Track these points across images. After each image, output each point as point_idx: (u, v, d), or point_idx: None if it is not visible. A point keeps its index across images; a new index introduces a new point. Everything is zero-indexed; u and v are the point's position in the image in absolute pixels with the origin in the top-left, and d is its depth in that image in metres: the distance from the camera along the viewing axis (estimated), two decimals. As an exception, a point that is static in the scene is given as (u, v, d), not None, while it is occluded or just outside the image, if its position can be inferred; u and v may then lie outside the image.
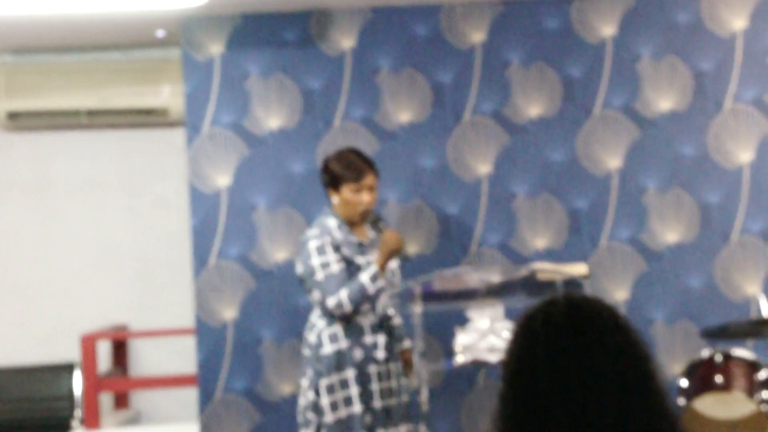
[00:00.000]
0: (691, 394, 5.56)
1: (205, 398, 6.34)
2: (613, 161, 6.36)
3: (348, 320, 5.36)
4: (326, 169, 5.49)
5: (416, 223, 6.34)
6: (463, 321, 5.59)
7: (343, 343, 5.35)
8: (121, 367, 7.45)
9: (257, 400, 6.34)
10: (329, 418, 5.30)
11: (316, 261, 5.34)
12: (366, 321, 5.40)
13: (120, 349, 7.47)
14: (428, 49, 6.41)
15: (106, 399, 7.35)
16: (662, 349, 6.25)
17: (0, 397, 7.14)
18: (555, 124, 6.38)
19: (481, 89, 6.39)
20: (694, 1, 6.38)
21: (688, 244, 6.34)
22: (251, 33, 6.42)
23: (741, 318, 6.08)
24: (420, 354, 5.57)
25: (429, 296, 5.68)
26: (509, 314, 5.56)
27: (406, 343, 5.69)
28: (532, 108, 6.39)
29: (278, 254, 6.36)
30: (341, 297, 5.28)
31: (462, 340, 5.59)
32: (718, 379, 5.55)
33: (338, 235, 5.40)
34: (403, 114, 6.40)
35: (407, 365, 5.67)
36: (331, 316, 5.35)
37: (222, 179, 6.38)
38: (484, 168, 6.38)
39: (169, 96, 7.30)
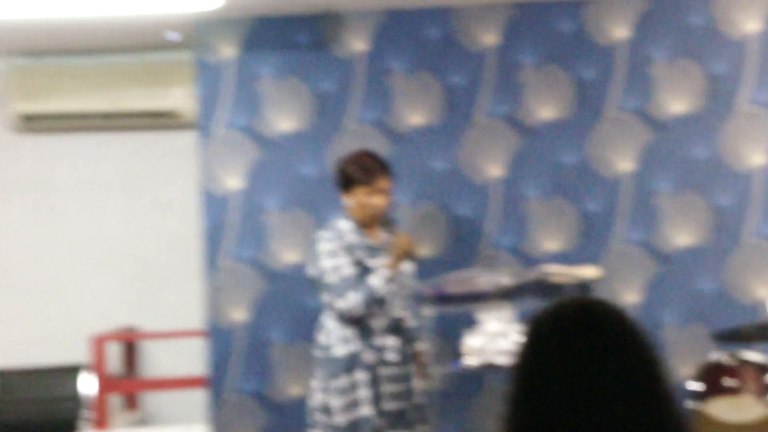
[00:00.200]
0: (701, 397, 5.55)
1: (216, 400, 6.35)
2: (626, 164, 6.35)
3: (359, 323, 5.36)
4: (340, 171, 5.50)
5: (427, 226, 6.34)
6: (472, 323, 5.58)
7: (354, 346, 5.36)
8: (130, 368, 7.46)
9: (267, 402, 6.34)
10: (339, 419, 5.31)
11: (327, 263, 5.35)
12: (377, 323, 5.40)
13: (130, 351, 7.48)
14: (440, 52, 6.40)
15: (115, 400, 7.35)
16: (673, 352, 6.23)
17: (7, 398, 7.15)
18: (567, 127, 6.37)
19: (493, 92, 6.38)
20: (707, 4, 6.36)
21: (699, 247, 6.32)
22: (264, 36, 6.42)
23: (752, 321, 6.05)
24: (430, 356, 5.58)
25: (440, 299, 5.68)
26: (520, 317, 5.56)
27: (420, 346, 5.69)
28: (545, 110, 6.38)
29: (289, 256, 6.36)
30: (351, 300, 5.29)
31: (471, 342, 5.59)
32: (729, 382, 5.54)
33: (350, 237, 5.40)
34: (415, 116, 6.40)
35: (421, 367, 5.66)
36: (342, 318, 5.36)
37: (234, 182, 6.38)
38: (496, 171, 6.37)
39: (181, 99, 7.31)
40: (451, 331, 5.88)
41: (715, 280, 6.30)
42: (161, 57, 7.36)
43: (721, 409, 5.45)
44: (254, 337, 6.35)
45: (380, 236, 5.53)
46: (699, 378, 5.65)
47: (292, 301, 6.35)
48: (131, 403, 7.47)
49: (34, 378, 7.24)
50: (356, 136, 6.36)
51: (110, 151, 7.57)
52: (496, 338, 5.55)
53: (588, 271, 5.79)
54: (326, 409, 5.36)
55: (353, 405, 5.32)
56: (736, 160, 6.34)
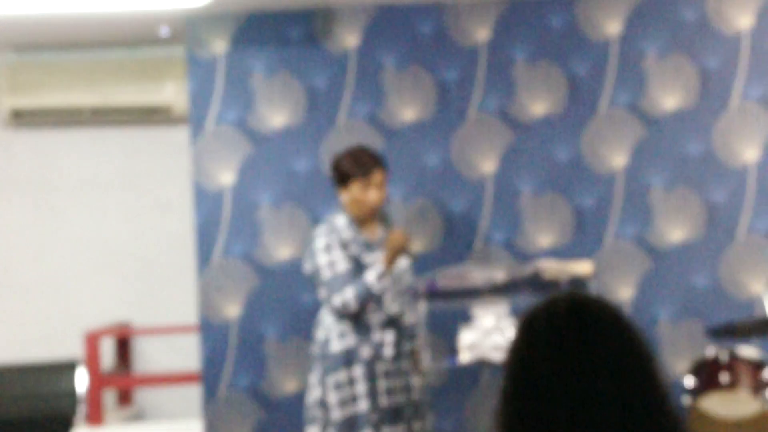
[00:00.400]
0: (696, 393, 5.55)
1: (209, 396, 6.34)
2: (619, 159, 6.34)
3: (354, 318, 5.36)
4: (335, 166, 5.52)
5: (421, 221, 6.33)
6: (467, 319, 5.57)
7: (351, 341, 5.37)
8: (124, 364, 7.45)
9: (261, 398, 6.33)
10: (336, 414, 5.32)
11: (322, 259, 5.36)
12: (374, 318, 5.40)
13: (123, 347, 7.47)
14: (433, 47, 6.40)
15: (109, 396, 7.34)
16: (667, 347, 6.23)
17: (3, 395, 7.14)
18: (560, 123, 6.36)
19: (486, 87, 6.37)
20: (699, -1, 6.36)
21: (693, 242, 6.32)
22: (255, 31, 6.41)
23: (746, 317, 6.06)
24: (424, 352, 5.57)
25: (433, 294, 5.68)
26: (514, 312, 5.55)
27: (418, 342, 5.68)
28: (537, 106, 6.37)
29: (282, 252, 6.35)
30: (347, 295, 5.30)
31: (466, 338, 5.58)
32: (724, 378, 5.54)
33: (346, 233, 5.41)
34: (407, 112, 6.39)
35: (418, 364, 5.66)
36: (337, 313, 5.36)
37: (226, 177, 6.37)
38: (489, 166, 6.36)
39: (173, 94, 7.29)
40: (445, 327, 5.87)
41: (709, 275, 6.30)
42: (153, 52, 7.34)
43: (715, 404, 5.45)
44: (248, 332, 6.34)
45: (376, 232, 5.53)
46: (693, 373, 5.64)
47: (285, 296, 6.34)
48: (125, 398, 7.46)
49: (30, 374, 7.22)
50: (348, 131, 6.35)
51: (103, 147, 7.56)
52: (490, 334, 5.55)
53: (582, 267, 5.78)
54: (323, 404, 5.36)
55: (350, 400, 5.33)
56: (730, 156, 6.33)
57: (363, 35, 6.41)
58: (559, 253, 6.24)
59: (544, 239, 6.34)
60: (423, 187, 6.35)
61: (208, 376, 6.33)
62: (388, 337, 5.42)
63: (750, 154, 6.34)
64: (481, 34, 6.40)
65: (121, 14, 6.47)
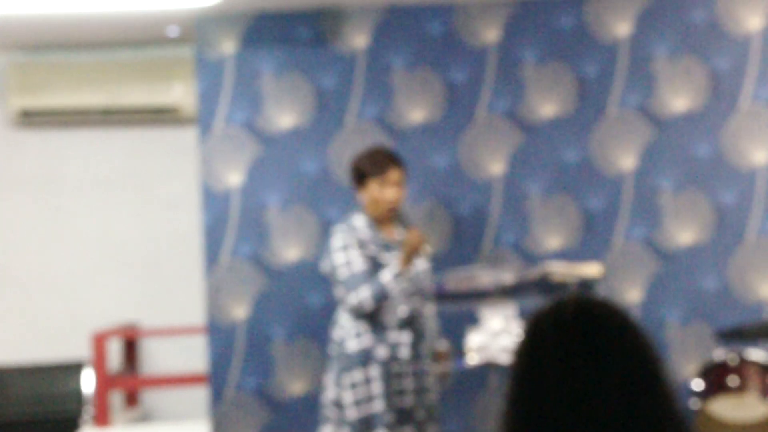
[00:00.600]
0: (704, 396, 5.53)
1: (216, 397, 6.33)
2: (628, 161, 6.32)
3: (370, 318, 5.37)
4: (353, 166, 5.55)
5: (429, 223, 6.31)
6: (475, 321, 5.56)
7: (368, 341, 5.38)
8: (131, 365, 7.45)
9: (268, 399, 6.33)
10: (351, 414, 5.33)
11: (340, 258, 5.38)
12: (391, 319, 5.40)
13: (130, 348, 7.47)
14: (442, 48, 6.38)
15: (116, 397, 7.34)
16: (676, 350, 6.22)
17: (9, 396, 7.13)
18: (569, 124, 6.34)
19: (494, 88, 6.36)
20: (710, 0, 6.34)
21: (702, 245, 6.30)
22: (264, 31, 6.40)
23: (755, 320, 6.04)
24: (432, 354, 5.57)
25: (441, 296, 5.67)
26: (522, 315, 5.53)
27: (441, 345, 5.68)
28: (546, 107, 6.36)
29: (290, 253, 6.35)
30: (362, 295, 5.32)
31: (474, 340, 5.57)
32: (732, 381, 5.53)
33: (364, 233, 5.43)
34: (416, 113, 6.37)
35: (443, 366, 5.66)
36: (353, 312, 5.37)
37: (234, 178, 6.36)
38: (497, 167, 6.35)
39: (181, 94, 7.29)
40: (453, 329, 5.86)
41: (718, 278, 6.28)
42: (161, 52, 7.34)
43: (724, 407, 5.43)
44: (255, 334, 6.33)
45: (394, 232, 5.54)
46: (702, 377, 5.63)
47: (292, 298, 6.33)
48: (132, 400, 7.46)
49: (36, 375, 7.22)
50: (357, 132, 6.34)
51: (111, 147, 7.55)
52: (498, 336, 5.54)
53: (590, 269, 5.77)
54: (339, 404, 5.37)
55: (366, 400, 5.34)
56: (739, 158, 6.31)
57: (372, 36, 6.40)
58: (567, 255, 6.22)
59: (553, 241, 6.33)
60: (431, 188, 6.33)
61: (216, 378, 6.33)
62: (405, 337, 5.43)
63: (759, 156, 6.32)
64: (491, 35, 6.39)
65: (130, 14, 6.47)
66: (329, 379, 5.47)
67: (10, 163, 7.54)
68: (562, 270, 5.70)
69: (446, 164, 6.34)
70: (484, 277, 5.79)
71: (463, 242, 6.31)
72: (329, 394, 5.44)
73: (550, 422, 2.18)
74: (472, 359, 5.59)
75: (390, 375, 5.37)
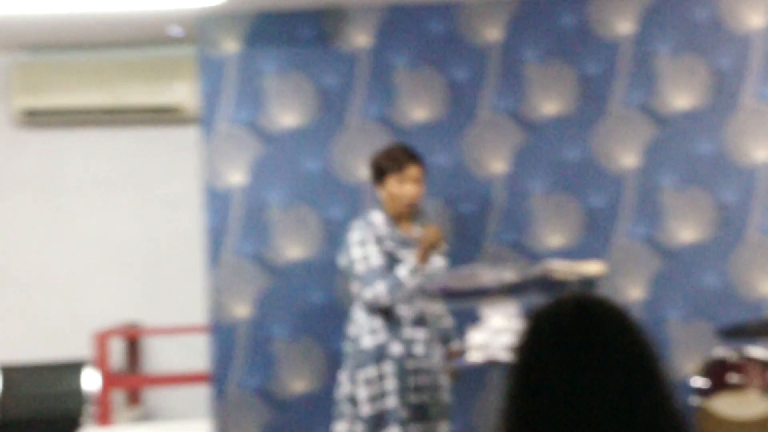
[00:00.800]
0: (706, 393, 5.53)
1: (219, 396, 6.34)
2: (630, 159, 6.33)
3: (385, 313, 5.39)
4: (372, 163, 5.59)
5: (431, 221, 6.31)
6: (476, 319, 5.57)
7: (383, 337, 5.42)
8: (133, 364, 7.46)
9: (270, 398, 6.33)
10: (365, 410, 5.36)
11: (357, 253, 5.41)
12: (406, 315, 5.43)
13: (133, 347, 7.47)
14: (444, 47, 6.39)
15: (118, 396, 7.35)
16: (677, 348, 6.22)
17: (11, 395, 7.14)
18: (571, 122, 6.35)
19: (497, 87, 6.36)
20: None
21: (704, 242, 6.30)
22: (267, 31, 6.41)
23: (756, 317, 6.04)
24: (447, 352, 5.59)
25: (443, 294, 5.67)
26: (523, 313, 5.53)
27: (455, 345, 5.69)
28: (549, 106, 6.36)
29: (292, 252, 6.35)
30: (378, 290, 5.35)
31: (475, 338, 5.58)
32: (733, 378, 5.53)
33: (382, 229, 5.46)
34: (419, 112, 6.38)
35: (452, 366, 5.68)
36: (370, 308, 5.39)
37: (237, 177, 6.37)
38: (499, 166, 6.36)
39: (184, 94, 7.30)
40: (455, 327, 5.86)
41: (719, 275, 6.28)
42: (165, 52, 7.34)
43: (725, 405, 5.44)
44: (257, 333, 6.34)
45: (412, 229, 5.57)
46: (703, 374, 5.63)
47: (295, 296, 6.34)
48: (134, 399, 7.47)
49: (38, 374, 7.23)
50: (360, 131, 6.35)
51: (114, 147, 7.56)
52: (499, 334, 5.53)
53: (592, 267, 5.76)
54: (353, 400, 5.39)
55: (380, 396, 5.37)
56: (741, 156, 6.31)
57: (374, 35, 6.40)
58: (569, 253, 6.22)
59: (555, 239, 6.33)
60: (433, 187, 6.33)
61: (218, 376, 6.33)
62: (420, 334, 5.45)
63: (761, 155, 6.32)
64: (493, 33, 6.39)
65: (133, 14, 6.47)
66: (343, 375, 5.50)
67: (13, 162, 7.54)
68: (563, 268, 5.70)
69: (449, 163, 6.35)
70: (486, 275, 5.79)
71: (464, 241, 6.31)
72: (344, 390, 5.47)
73: (550, 420, 2.19)
74: (474, 357, 5.59)
75: (404, 371, 5.40)
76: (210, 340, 6.37)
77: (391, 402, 5.36)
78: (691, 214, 6.30)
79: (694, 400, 5.56)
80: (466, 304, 5.61)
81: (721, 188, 6.30)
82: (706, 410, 5.44)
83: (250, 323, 6.34)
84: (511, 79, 6.37)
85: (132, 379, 7.23)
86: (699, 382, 5.61)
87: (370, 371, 5.39)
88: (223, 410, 6.32)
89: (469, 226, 6.34)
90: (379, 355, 5.40)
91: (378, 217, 5.51)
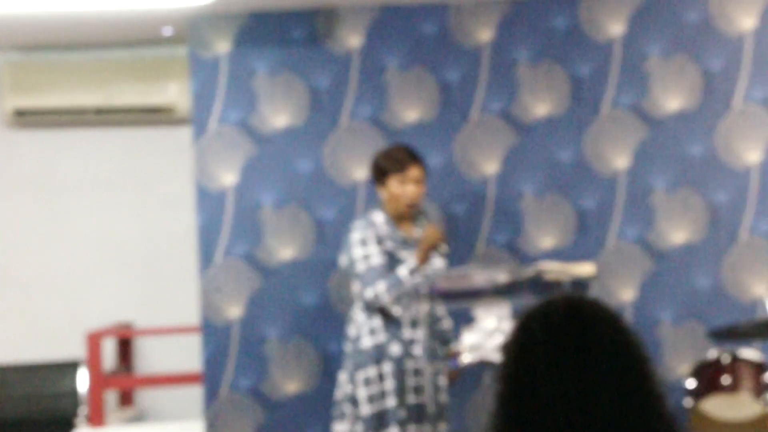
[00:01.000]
0: (698, 395, 5.54)
1: (211, 397, 6.33)
2: (621, 161, 6.33)
3: (385, 313, 5.40)
4: (374, 164, 5.60)
5: (432, 222, 6.31)
6: (468, 321, 5.56)
7: (382, 337, 5.45)
8: (125, 365, 7.44)
9: (263, 399, 6.33)
10: (365, 410, 5.38)
11: (357, 252, 5.43)
12: (405, 316, 5.44)
13: (125, 347, 7.46)
14: (436, 48, 6.39)
15: (110, 397, 7.33)
16: (669, 349, 6.23)
17: (5, 395, 7.13)
18: (563, 123, 6.35)
19: (488, 88, 6.37)
20: (703, 0, 6.34)
21: (695, 244, 6.31)
22: (258, 31, 6.41)
23: (749, 319, 6.04)
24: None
25: (435, 296, 5.66)
26: (515, 314, 5.53)
27: (454, 344, 5.69)
28: (540, 107, 6.36)
29: (284, 252, 6.35)
30: (378, 289, 5.38)
31: (468, 339, 5.57)
32: (726, 380, 5.53)
33: (383, 229, 5.48)
34: (410, 113, 6.38)
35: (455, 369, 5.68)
36: (369, 308, 5.40)
37: (228, 177, 6.36)
38: (491, 167, 6.36)
39: (176, 94, 7.29)
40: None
41: (711, 277, 6.29)
42: (156, 52, 7.33)
43: (717, 406, 5.44)
44: (249, 333, 6.33)
45: (413, 230, 5.58)
46: (695, 376, 5.63)
47: (287, 297, 6.33)
48: (127, 399, 7.45)
49: (32, 374, 7.21)
50: (351, 132, 6.35)
51: (105, 147, 7.55)
52: (492, 335, 5.53)
53: (584, 269, 5.76)
54: (353, 400, 5.41)
55: (379, 396, 5.38)
56: (732, 157, 6.32)
57: (366, 36, 6.40)
58: (561, 254, 6.23)
59: (546, 240, 6.33)
60: (425, 187, 6.33)
61: (210, 377, 6.33)
62: (419, 334, 5.46)
63: (752, 156, 6.33)
64: (484, 34, 6.39)
65: (125, 14, 6.46)
66: (343, 376, 5.51)
67: (4, 163, 7.53)
68: (555, 269, 5.70)
69: (440, 164, 6.34)
70: (478, 276, 5.79)
71: (456, 241, 6.31)
72: (343, 390, 5.48)
73: (540, 421, 2.19)
74: (466, 358, 5.59)
75: (403, 372, 5.41)
76: (202, 341, 6.36)
77: (390, 402, 5.38)
78: (682, 216, 6.31)
79: (687, 402, 5.56)
80: (458, 305, 5.62)
81: (713, 190, 6.31)
82: (698, 412, 5.44)
83: (243, 324, 6.33)
84: (502, 80, 6.37)
85: (124, 380, 7.21)
86: (691, 383, 5.61)
87: (370, 371, 5.41)
88: (215, 411, 6.31)
89: (461, 227, 6.34)
90: (379, 355, 5.42)
91: (379, 217, 5.53)
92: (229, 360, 6.33)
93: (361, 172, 6.28)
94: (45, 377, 7.18)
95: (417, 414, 5.43)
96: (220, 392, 6.32)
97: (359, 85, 6.38)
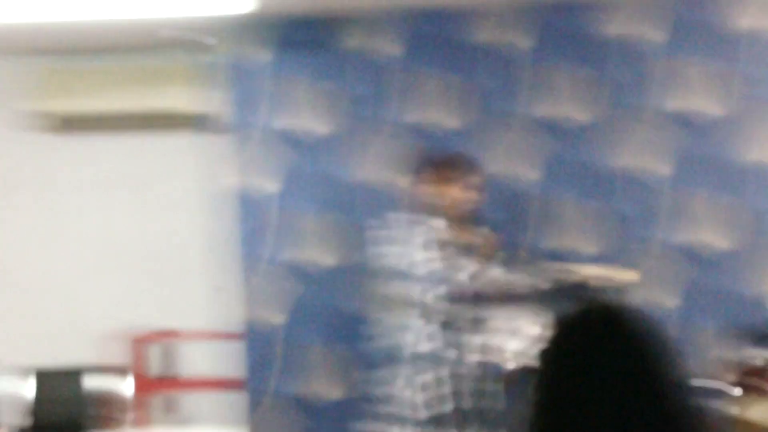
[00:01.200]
0: (740, 401, 5.51)
1: (254, 403, 6.35)
2: (663, 167, 6.30)
3: (445, 317, 5.41)
4: (433, 170, 5.62)
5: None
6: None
7: (439, 342, 5.43)
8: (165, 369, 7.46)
9: (306, 405, 6.34)
10: (423, 414, 5.40)
11: (419, 256, 5.42)
12: (463, 321, 5.45)
13: (166, 353, 7.48)
14: (475, 55, 6.40)
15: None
16: (711, 356, 6.19)
17: (45, 398, 7.13)
18: (604, 130, 6.33)
19: (528, 95, 6.35)
20: (741, 6, 6.31)
21: (739, 251, 6.28)
22: (300, 39, 6.42)
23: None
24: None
25: (477, 299, 5.68)
26: (553, 321, 5.52)
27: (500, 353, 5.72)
28: (580, 113, 6.35)
29: (326, 259, 6.36)
30: (440, 293, 5.37)
31: (512, 345, 5.58)
32: (768, 386, 5.51)
33: (444, 233, 5.47)
34: (451, 119, 6.38)
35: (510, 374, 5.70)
36: (428, 314, 5.40)
37: (271, 185, 6.39)
38: (531, 174, 6.35)
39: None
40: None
41: (755, 284, 6.25)
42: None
43: (760, 412, 5.42)
44: (291, 339, 6.35)
45: (473, 236, 5.60)
46: (737, 382, 5.60)
47: (329, 304, 6.35)
48: (169, 405, 7.47)
49: (73, 377, 7.21)
50: (393, 139, 6.35)
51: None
52: (537, 342, 5.53)
53: (627, 275, 5.75)
54: (412, 405, 5.42)
55: (436, 401, 5.39)
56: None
57: (405, 43, 6.41)
58: (603, 261, 6.21)
59: (589, 247, 6.32)
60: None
61: (253, 384, 6.35)
62: (475, 340, 5.48)
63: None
64: (523, 42, 6.38)
65: (161, 22, 6.48)
66: (400, 382, 5.52)
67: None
68: (599, 276, 5.69)
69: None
70: (519, 281, 5.79)
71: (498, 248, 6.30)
72: (402, 395, 5.49)
73: (577, 428, 2.19)
74: (510, 365, 5.60)
75: (459, 377, 5.43)
76: (245, 347, 6.38)
77: (447, 407, 5.40)
78: (727, 223, 6.28)
79: (728, 408, 5.54)
80: (499, 311, 5.62)
81: (758, 196, 6.27)
82: (740, 418, 5.41)
83: (286, 330, 6.35)
84: (542, 87, 6.35)
85: (166, 384, 7.22)
86: (733, 390, 5.59)
87: (428, 376, 5.43)
88: (259, 417, 6.33)
89: (504, 234, 6.33)
90: (436, 360, 5.44)
91: (439, 222, 5.54)
92: (272, 366, 6.35)
93: (402, 179, 6.28)
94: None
95: (474, 419, 5.44)
96: (264, 398, 6.34)
97: (399, 92, 6.39)
